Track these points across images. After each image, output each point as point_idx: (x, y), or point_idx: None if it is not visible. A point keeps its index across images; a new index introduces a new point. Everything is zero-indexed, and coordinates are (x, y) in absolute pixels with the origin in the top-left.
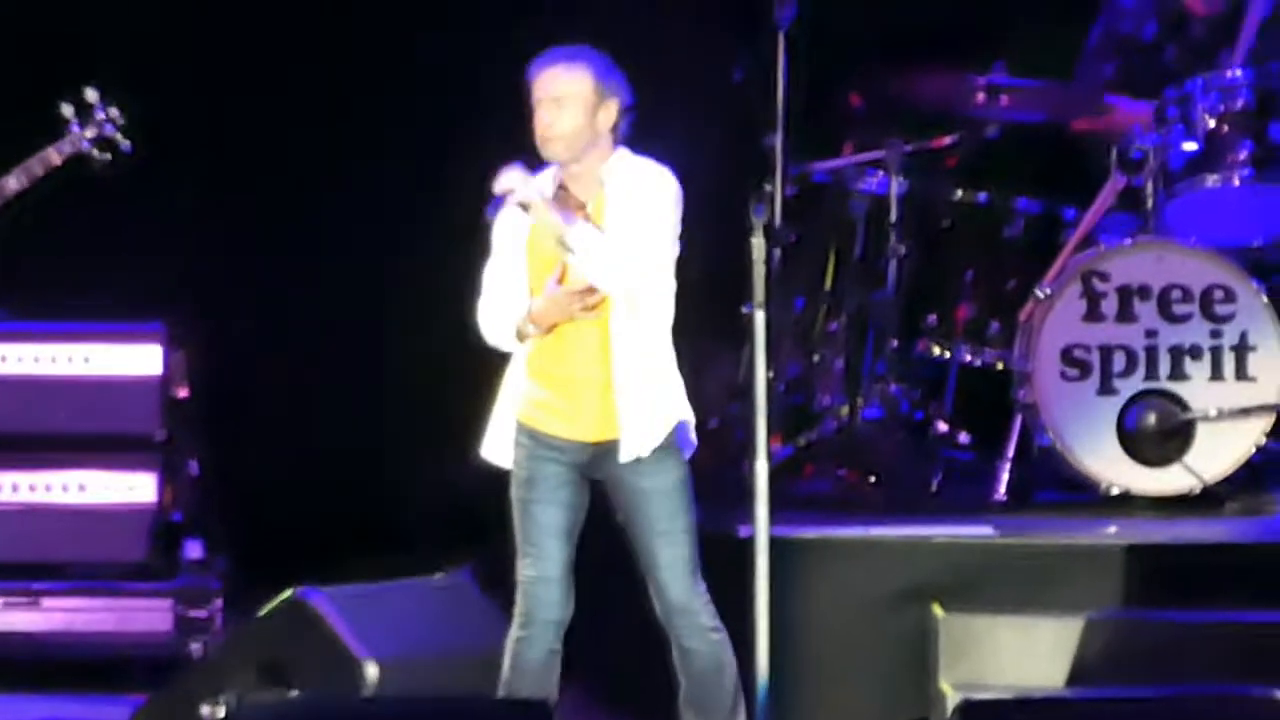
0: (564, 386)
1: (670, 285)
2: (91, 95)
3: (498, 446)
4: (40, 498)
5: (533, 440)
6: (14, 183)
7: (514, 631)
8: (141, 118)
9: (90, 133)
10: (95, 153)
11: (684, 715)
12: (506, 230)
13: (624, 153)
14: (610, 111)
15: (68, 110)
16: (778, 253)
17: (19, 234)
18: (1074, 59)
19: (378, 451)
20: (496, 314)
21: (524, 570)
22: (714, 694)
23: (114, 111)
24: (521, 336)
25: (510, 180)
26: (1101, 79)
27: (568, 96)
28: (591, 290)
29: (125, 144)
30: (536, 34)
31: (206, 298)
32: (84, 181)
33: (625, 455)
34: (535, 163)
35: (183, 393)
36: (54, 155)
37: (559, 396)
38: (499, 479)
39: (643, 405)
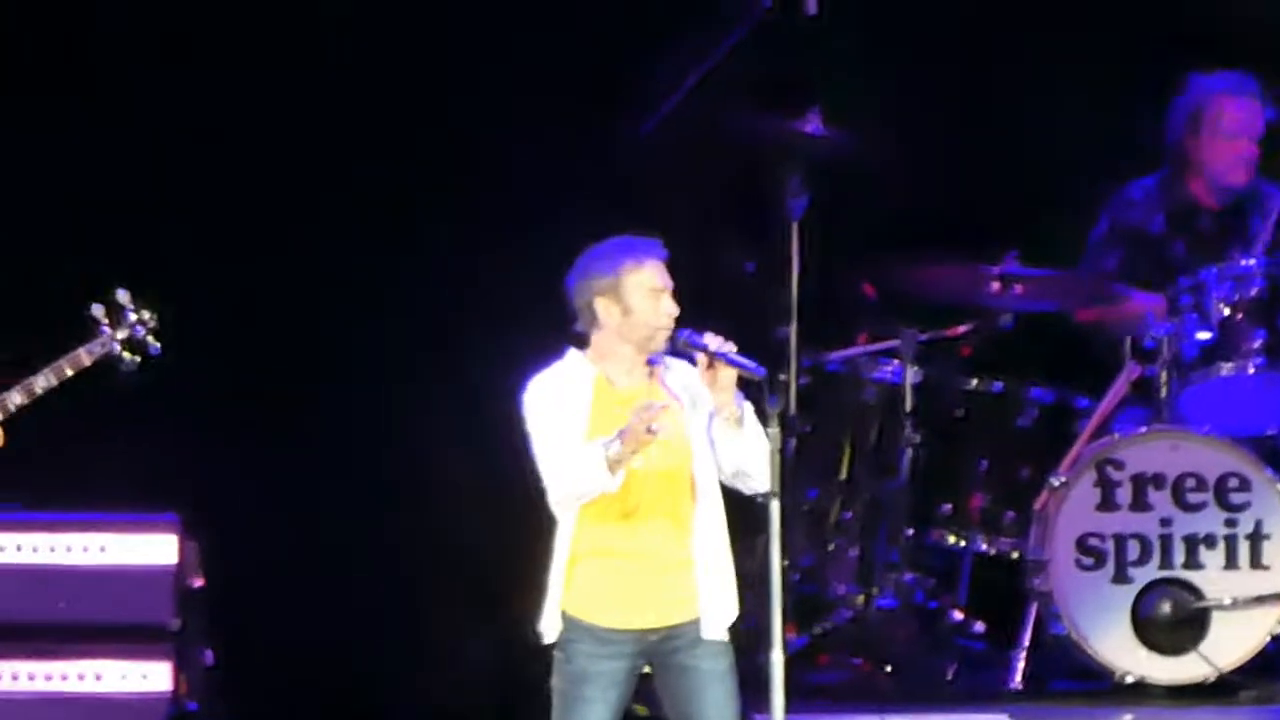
0: (633, 567)
1: None
2: (123, 296)
3: (551, 628)
4: (56, 687)
5: (589, 635)
6: (43, 381)
7: None
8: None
9: (121, 334)
10: (125, 355)
11: None
12: (561, 392)
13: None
14: None
15: (98, 311)
16: (792, 442)
17: (33, 425)
18: (1080, 249)
19: (383, 644)
20: (579, 461)
21: None
22: None
23: (145, 314)
24: (614, 468)
25: (721, 342)
26: (1108, 270)
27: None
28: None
29: (155, 347)
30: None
31: (217, 489)
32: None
33: (709, 633)
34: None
35: (197, 582)
36: (84, 356)
37: (623, 579)
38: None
39: (723, 583)
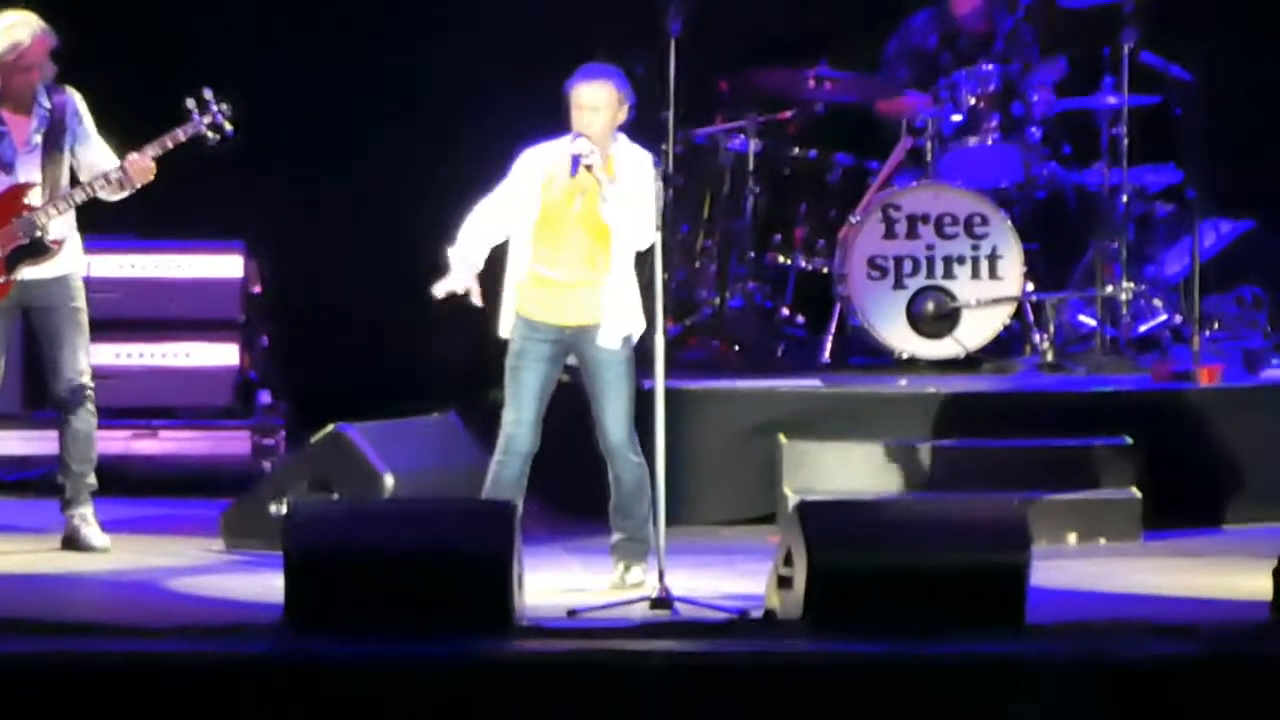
0: (560, 284)
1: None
2: (207, 93)
3: (505, 327)
4: (158, 362)
5: (526, 325)
6: (152, 151)
7: (495, 458)
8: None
9: (206, 120)
10: (209, 135)
11: (613, 520)
12: (527, 173)
13: (620, 138)
14: (623, 112)
15: (190, 103)
16: (670, 193)
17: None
18: (877, 60)
19: (396, 331)
20: (481, 226)
21: (506, 415)
22: (636, 506)
23: (224, 106)
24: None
25: (584, 147)
26: (899, 79)
27: (601, 104)
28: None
29: (230, 130)
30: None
31: (279, 219)
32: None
33: (603, 340)
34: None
35: (257, 289)
36: (180, 134)
37: (553, 292)
38: (477, 355)
39: (620, 306)
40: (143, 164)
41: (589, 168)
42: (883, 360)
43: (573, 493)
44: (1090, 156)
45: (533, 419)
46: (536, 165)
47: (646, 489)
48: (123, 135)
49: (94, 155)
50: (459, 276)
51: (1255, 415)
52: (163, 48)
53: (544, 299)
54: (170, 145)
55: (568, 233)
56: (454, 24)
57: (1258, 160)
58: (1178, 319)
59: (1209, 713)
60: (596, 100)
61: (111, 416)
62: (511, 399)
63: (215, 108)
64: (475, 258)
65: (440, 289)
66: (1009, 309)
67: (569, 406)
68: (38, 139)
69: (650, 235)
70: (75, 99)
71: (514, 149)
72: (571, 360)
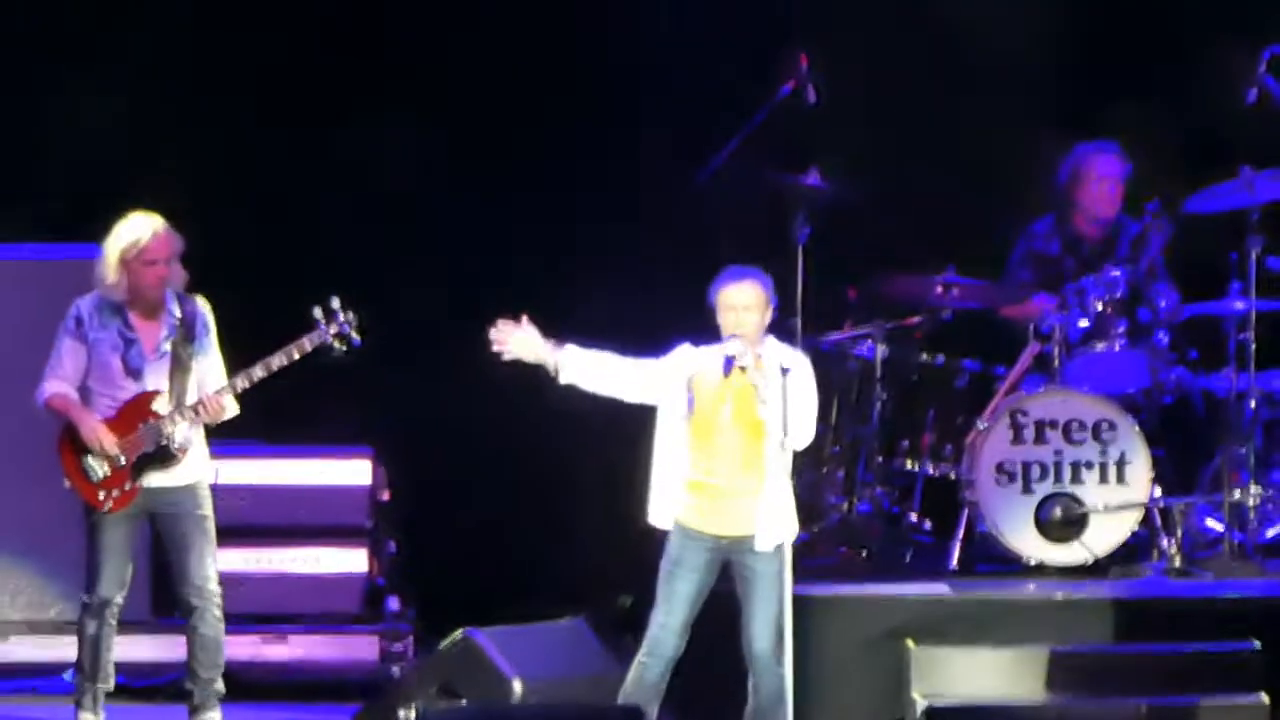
0: (719, 491)
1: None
2: (334, 302)
3: (658, 516)
4: (288, 568)
5: (684, 533)
6: (277, 361)
7: (639, 658)
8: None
9: (333, 329)
10: (336, 344)
11: None
12: (680, 361)
13: (770, 337)
14: (769, 312)
15: (317, 312)
16: None
17: (271, 388)
18: (1003, 265)
19: (524, 536)
20: (610, 359)
21: (655, 617)
22: (773, 715)
23: (350, 315)
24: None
25: (737, 347)
26: (1020, 280)
27: (752, 304)
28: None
29: (357, 339)
30: None
31: (400, 429)
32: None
33: (760, 546)
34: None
35: (385, 495)
36: (306, 344)
37: (711, 500)
38: (605, 560)
39: (776, 510)
40: (217, 403)
41: (743, 369)
42: (1011, 566)
43: (700, 703)
44: (1218, 362)
45: (681, 625)
46: (690, 360)
47: (786, 701)
48: (251, 344)
49: (206, 372)
50: (537, 348)
51: None
52: (291, 256)
53: (703, 507)
54: (296, 355)
55: (722, 438)
56: (576, 234)
57: None
58: None
59: None
60: (747, 300)
61: (240, 622)
62: (663, 602)
63: (342, 317)
64: (571, 359)
65: (508, 334)
66: (1137, 514)
67: (700, 615)
68: (167, 347)
69: (809, 434)
70: (204, 309)
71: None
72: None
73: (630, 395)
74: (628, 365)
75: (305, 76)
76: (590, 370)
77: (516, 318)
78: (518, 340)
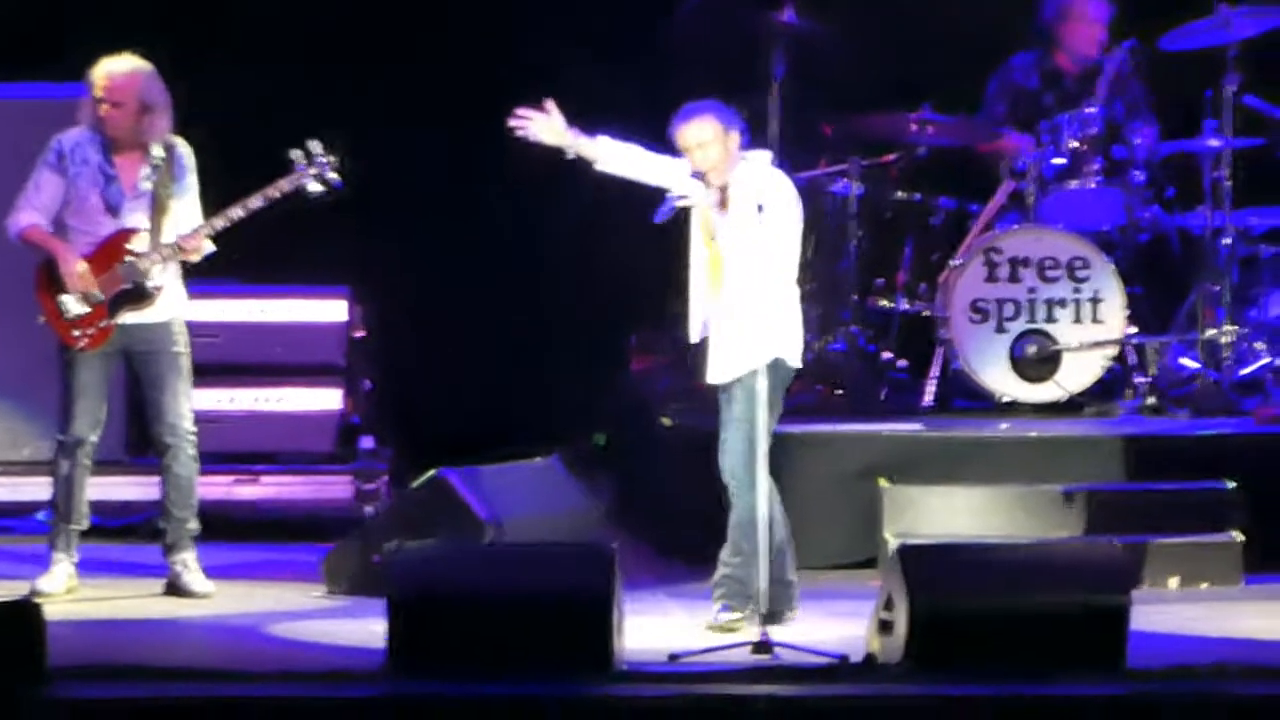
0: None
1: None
2: (315, 145)
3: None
4: (262, 407)
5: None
6: (255, 202)
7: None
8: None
9: (312, 171)
10: (315, 186)
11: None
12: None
13: (749, 158)
14: (733, 139)
15: (295, 154)
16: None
17: (252, 228)
18: (980, 103)
19: (499, 376)
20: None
21: None
22: (741, 541)
23: (331, 158)
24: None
25: (686, 187)
26: (997, 116)
27: (706, 140)
28: None
29: (337, 181)
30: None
31: (383, 263)
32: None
33: (711, 378)
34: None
35: (360, 334)
36: (285, 185)
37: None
38: (580, 399)
39: (728, 346)
40: (194, 243)
41: (684, 209)
42: (984, 404)
43: (676, 537)
44: (1193, 200)
45: None
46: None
47: (758, 528)
48: (230, 185)
49: (184, 213)
50: (559, 133)
51: None
52: (273, 99)
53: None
54: (275, 196)
55: (702, 271)
56: (560, 78)
57: None
58: None
59: None
60: (698, 138)
61: (214, 461)
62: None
63: (322, 159)
64: (606, 145)
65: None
66: (1111, 353)
67: (673, 450)
68: (146, 186)
69: (780, 257)
70: (184, 151)
71: (614, 196)
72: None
73: (664, 181)
74: (663, 160)
75: None
76: (625, 156)
77: (503, 162)
78: (540, 123)
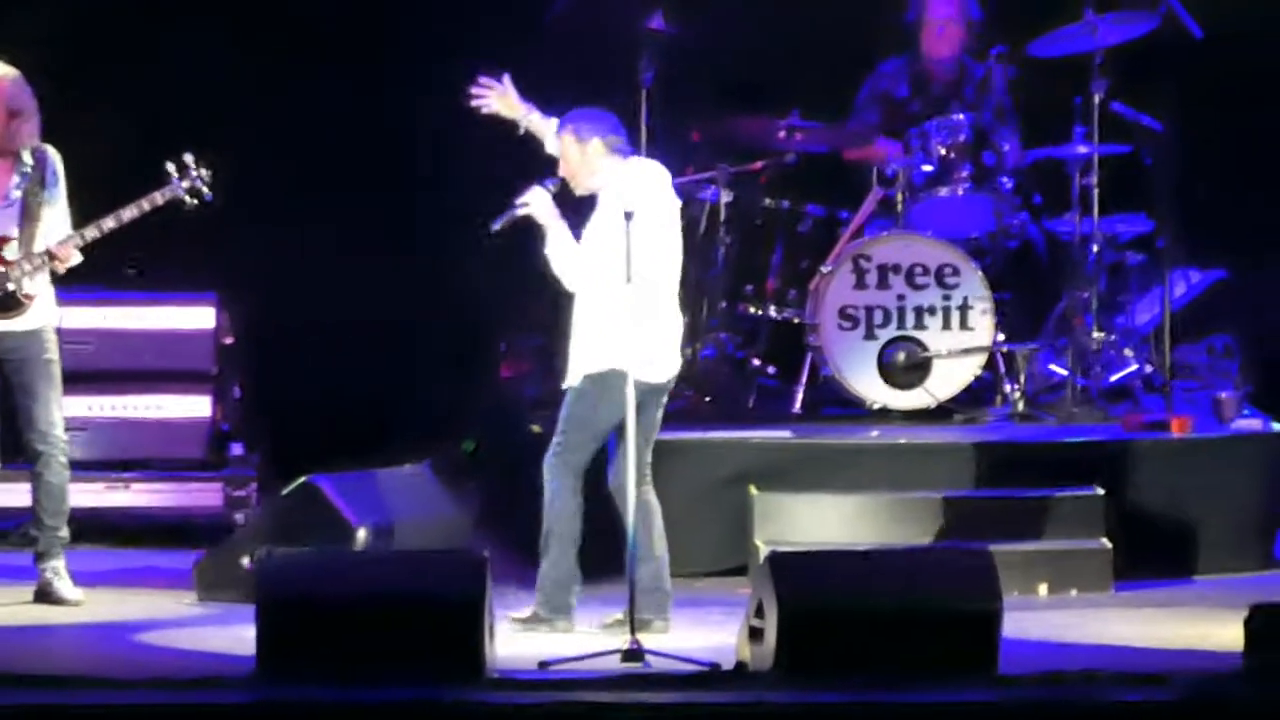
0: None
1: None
2: (188, 157)
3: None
4: (131, 414)
5: None
6: (128, 213)
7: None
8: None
9: (185, 184)
10: (187, 199)
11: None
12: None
13: (629, 165)
14: (591, 148)
15: (170, 167)
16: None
17: (118, 235)
18: (849, 109)
19: (368, 383)
20: None
21: None
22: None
23: (204, 171)
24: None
25: (529, 196)
26: (868, 123)
27: (562, 153)
28: None
29: (209, 194)
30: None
31: (251, 270)
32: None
33: (566, 383)
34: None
35: (229, 340)
36: (158, 197)
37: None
38: (449, 406)
39: (575, 350)
40: (65, 252)
41: (525, 218)
42: (854, 411)
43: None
44: (1062, 206)
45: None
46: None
47: (550, 532)
48: (102, 195)
49: (53, 221)
50: (515, 106)
51: (1226, 465)
52: (144, 106)
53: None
54: (147, 208)
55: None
56: (426, 78)
57: (1228, 209)
58: (1149, 369)
59: None
60: (556, 149)
61: (84, 468)
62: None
63: (195, 172)
64: (550, 129)
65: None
66: (980, 359)
67: (542, 457)
68: (17, 194)
69: (589, 270)
70: (54, 158)
71: (484, 200)
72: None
73: None
74: None
75: None
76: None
77: (372, 169)
78: (497, 96)
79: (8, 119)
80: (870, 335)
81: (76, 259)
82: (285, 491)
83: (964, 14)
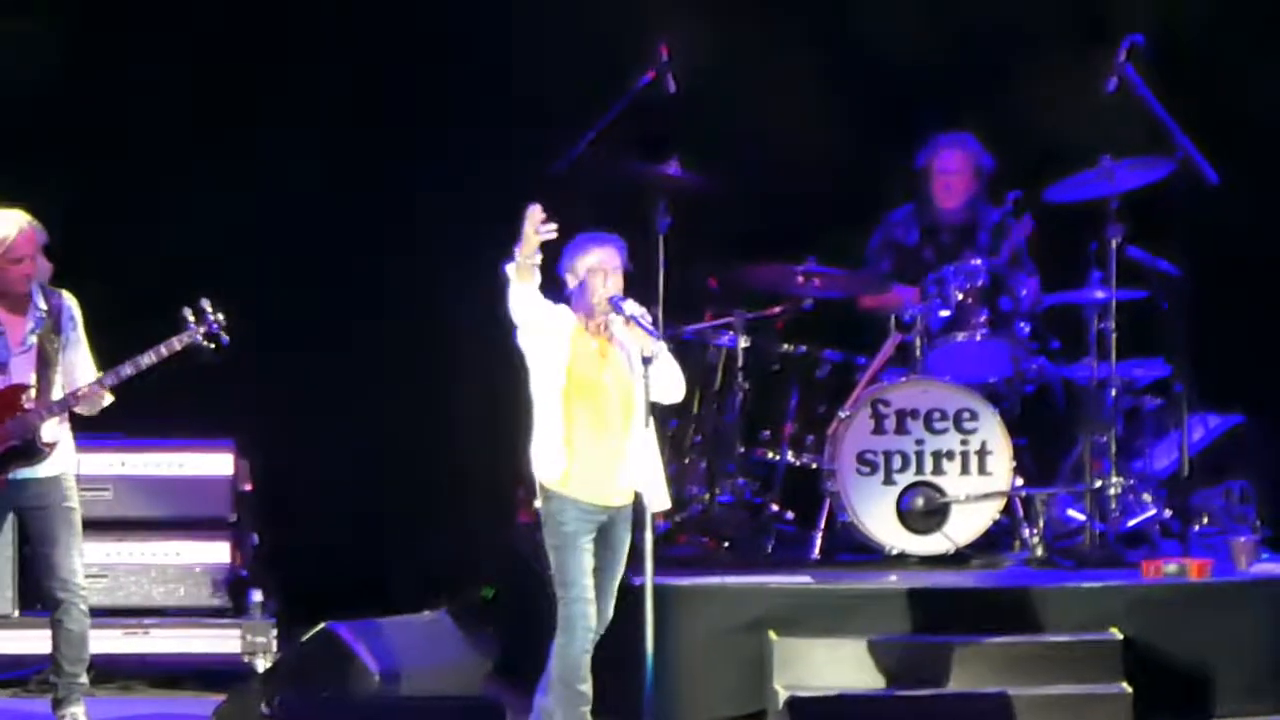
0: (602, 458)
1: None
2: (205, 303)
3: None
4: (150, 560)
5: (576, 505)
6: (147, 359)
7: (561, 639)
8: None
9: (202, 330)
10: (205, 344)
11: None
12: (560, 312)
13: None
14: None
15: (187, 313)
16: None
17: (137, 383)
18: (865, 254)
19: (387, 529)
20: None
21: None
22: None
23: (220, 316)
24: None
25: (635, 306)
26: (880, 269)
27: (621, 266)
28: None
29: (226, 339)
30: None
31: (264, 423)
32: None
33: (654, 506)
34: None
35: (247, 487)
36: (176, 344)
37: (595, 466)
38: (465, 552)
39: (658, 473)
40: (92, 395)
41: (628, 319)
42: (872, 556)
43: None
44: (1079, 351)
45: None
46: (566, 316)
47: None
48: (121, 342)
49: (75, 365)
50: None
51: (1244, 609)
52: (161, 254)
53: (587, 474)
54: (166, 354)
55: (605, 399)
56: (440, 221)
57: (1245, 354)
58: (1166, 513)
59: None
60: (619, 262)
61: (103, 615)
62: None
63: (211, 318)
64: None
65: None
66: (998, 504)
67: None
68: (33, 340)
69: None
70: (71, 303)
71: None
72: None
73: (536, 312)
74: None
75: (176, 78)
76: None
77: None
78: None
79: (10, 264)
80: (888, 480)
81: (107, 400)
82: (304, 637)
83: (973, 165)
